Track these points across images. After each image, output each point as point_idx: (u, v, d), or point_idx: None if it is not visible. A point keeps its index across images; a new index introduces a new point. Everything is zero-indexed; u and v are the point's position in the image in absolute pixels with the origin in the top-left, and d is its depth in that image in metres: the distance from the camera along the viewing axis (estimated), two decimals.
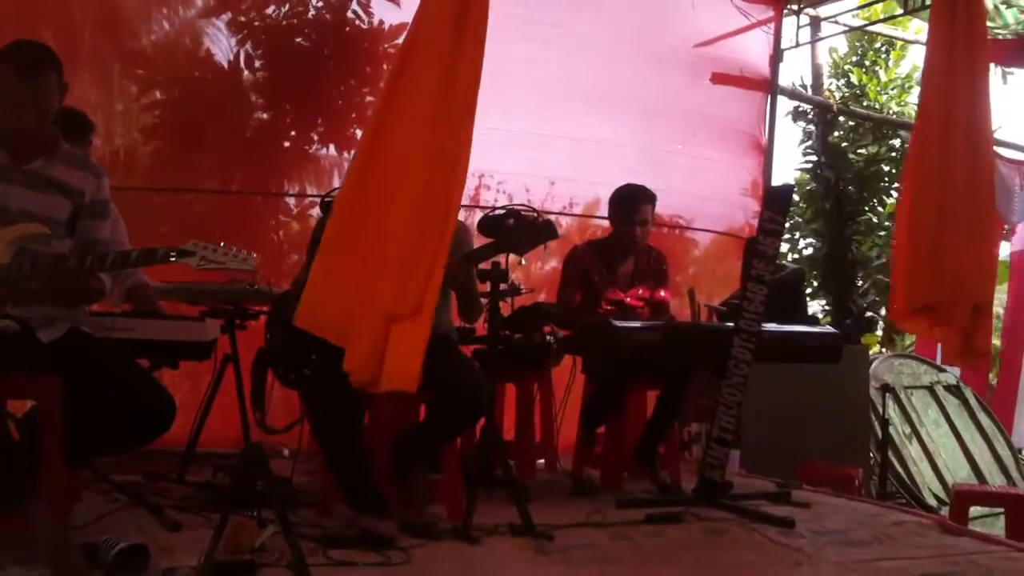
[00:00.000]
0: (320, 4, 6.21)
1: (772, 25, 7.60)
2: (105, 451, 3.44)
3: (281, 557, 2.99)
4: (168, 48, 6.02)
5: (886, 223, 11.74)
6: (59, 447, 2.96)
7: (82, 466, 3.55)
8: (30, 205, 3.05)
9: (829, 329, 5.33)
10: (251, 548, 3.06)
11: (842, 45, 12.63)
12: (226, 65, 6.09)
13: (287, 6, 6.15)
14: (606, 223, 5.23)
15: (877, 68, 12.46)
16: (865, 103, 12.04)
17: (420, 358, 3.23)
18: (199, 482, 4.31)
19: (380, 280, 3.30)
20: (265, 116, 6.26)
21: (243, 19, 6.09)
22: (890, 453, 6.41)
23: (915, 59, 12.23)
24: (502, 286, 4.35)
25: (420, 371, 3.23)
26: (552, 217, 4.71)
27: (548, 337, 4.96)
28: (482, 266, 4.07)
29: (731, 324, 4.40)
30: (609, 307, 4.93)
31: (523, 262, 4.06)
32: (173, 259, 2.94)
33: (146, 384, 3.13)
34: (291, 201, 6.30)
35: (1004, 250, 10.07)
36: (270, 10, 6.14)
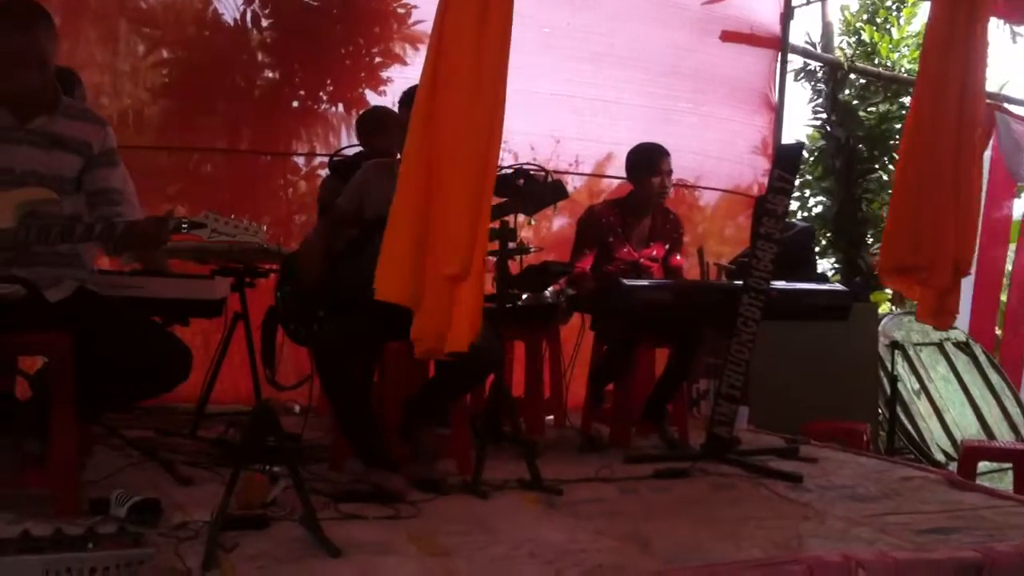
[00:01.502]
0: None
1: None
2: (123, 401, 3.47)
3: (292, 511, 3.01)
4: (176, 7, 6.00)
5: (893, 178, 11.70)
6: (70, 403, 2.98)
7: (97, 419, 3.59)
8: (36, 165, 3.06)
9: (838, 287, 5.33)
10: (263, 503, 3.10)
11: (853, 2, 12.52)
12: (234, 24, 6.07)
13: None
14: (616, 182, 5.20)
15: (889, 25, 12.34)
16: (876, 61, 11.94)
17: (471, 321, 3.21)
18: (211, 438, 4.35)
19: (437, 244, 3.26)
20: (273, 76, 6.25)
21: None
22: (899, 409, 6.42)
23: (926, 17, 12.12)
24: (511, 245, 4.35)
25: (468, 336, 3.21)
26: (560, 176, 4.69)
27: (556, 294, 4.98)
28: (491, 225, 4.06)
29: (740, 282, 4.41)
30: (622, 267, 4.92)
31: (532, 221, 4.06)
32: (185, 230, 2.95)
33: (160, 334, 3.15)
34: (300, 160, 6.30)
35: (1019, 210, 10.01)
36: None
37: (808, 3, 7.86)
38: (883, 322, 7.43)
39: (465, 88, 3.26)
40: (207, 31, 6.07)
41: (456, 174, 3.25)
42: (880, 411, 6.62)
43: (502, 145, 6.19)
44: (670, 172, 4.98)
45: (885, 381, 6.43)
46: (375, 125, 4.86)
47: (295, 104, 6.25)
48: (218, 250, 4.44)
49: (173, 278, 4.18)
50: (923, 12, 12.02)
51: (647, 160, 4.95)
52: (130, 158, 4.14)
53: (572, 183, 6.57)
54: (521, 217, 4.64)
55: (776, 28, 7.48)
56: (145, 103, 5.95)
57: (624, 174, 5.13)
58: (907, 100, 11.46)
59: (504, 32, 3.29)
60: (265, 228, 3.01)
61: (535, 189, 3.83)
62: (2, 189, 2.99)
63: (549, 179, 4.22)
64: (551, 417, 5.41)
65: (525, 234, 5.20)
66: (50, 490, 2.96)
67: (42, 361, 3.69)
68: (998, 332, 9.50)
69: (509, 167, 4.44)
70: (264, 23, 6.11)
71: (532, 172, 4.25)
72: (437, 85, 3.32)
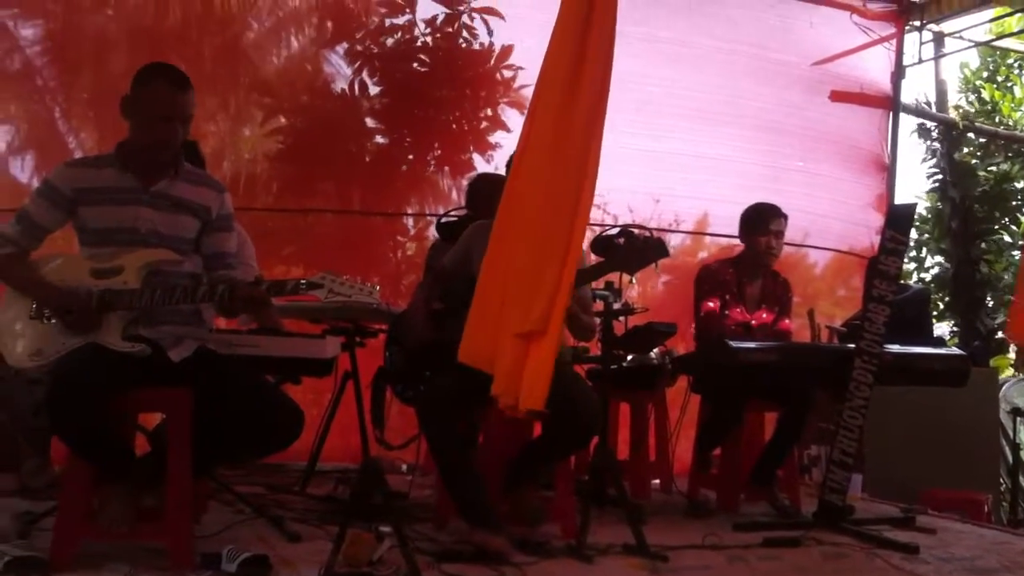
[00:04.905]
0: (428, 31, 6.33)
1: (894, 41, 7.43)
2: (238, 458, 3.56)
3: (397, 570, 3.04)
4: (290, 75, 6.24)
5: (1020, 242, 11.34)
6: (187, 458, 3.08)
7: (209, 475, 3.69)
8: (158, 226, 3.20)
9: (955, 351, 5.17)
10: (368, 561, 3.13)
11: (973, 60, 12.26)
12: (345, 92, 6.27)
13: (400, 33, 6.30)
14: (720, 241, 5.16)
15: (1010, 84, 12.04)
16: (997, 119, 11.64)
17: (546, 377, 3.20)
18: (320, 495, 4.42)
19: (513, 302, 3.30)
20: (383, 141, 6.41)
21: (359, 48, 6.26)
22: (1021, 479, 6.16)
23: None
24: (616, 305, 4.35)
25: (546, 391, 3.19)
26: (662, 234, 4.67)
27: (661, 356, 4.94)
28: (595, 285, 4.06)
29: (852, 345, 4.31)
30: (735, 327, 4.85)
31: (633, 281, 4.04)
32: (303, 289, 3.03)
33: (275, 395, 3.24)
34: (408, 222, 6.43)
35: None
36: (384, 38, 6.29)
37: (920, 63, 7.73)
38: (1004, 388, 7.17)
39: (549, 148, 3.31)
40: (319, 99, 6.28)
41: (538, 233, 3.29)
42: (1002, 480, 6.35)
43: (602, 206, 6.30)
44: (780, 233, 4.92)
45: (1007, 449, 6.18)
46: (479, 189, 4.94)
47: (404, 168, 6.39)
48: (331, 309, 4.53)
49: (286, 337, 4.28)
50: None
51: (757, 219, 4.91)
52: (246, 220, 4.31)
53: (672, 242, 6.55)
54: (624, 277, 4.64)
55: (887, 87, 7.40)
56: (262, 167, 6.17)
57: (726, 232, 5.09)
58: None
59: (599, 96, 3.32)
60: (379, 288, 3.07)
61: (636, 247, 3.81)
62: (127, 248, 3.15)
63: (650, 236, 4.21)
64: (657, 481, 5.34)
65: (630, 294, 5.18)
66: (164, 543, 3.05)
67: (160, 418, 3.83)
68: None
69: (612, 226, 4.45)
70: (373, 90, 6.28)
71: (634, 231, 4.24)
72: (527, 146, 3.39)
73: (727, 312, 4.86)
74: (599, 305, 4.11)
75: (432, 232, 5.93)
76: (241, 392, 3.16)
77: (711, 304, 4.83)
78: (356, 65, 6.24)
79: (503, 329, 3.28)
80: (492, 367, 3.28)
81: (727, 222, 5.08)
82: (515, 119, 6.27)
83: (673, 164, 6.58)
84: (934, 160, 11.03)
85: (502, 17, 6.23)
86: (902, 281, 4.51)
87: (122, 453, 3.09)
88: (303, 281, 3.02)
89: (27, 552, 2.92)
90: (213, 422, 3.09)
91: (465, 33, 6.31)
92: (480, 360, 3.32)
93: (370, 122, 6.38)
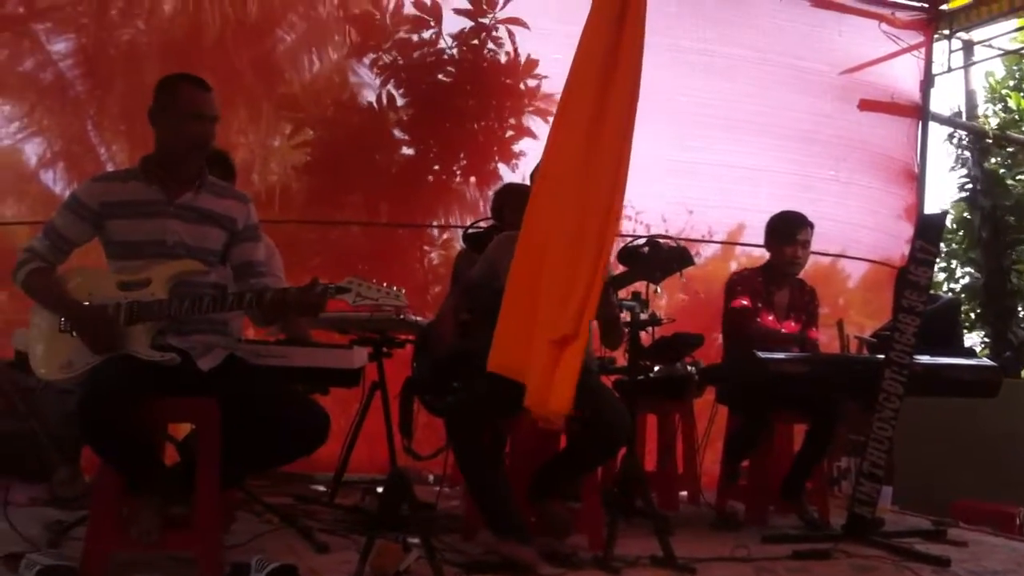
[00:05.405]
0: (454, 43, 6.35)
1: (923, 50, 7.39)
2: (266, 465, 3.57)
3: None
4: (317, 90, 6.29)
5: None
6: (216, 468, 3.09)
7: (238, 485, 3.70)
8: (185, 238, 3.22)
9: (986, 361, 5.11)
10: (396, 571, 3.12)
11: (999, 69, 12.14)
12: (372, 104, 6.32)
13: (426, 47, 6.32)
14: (751, 251, 5.13)
15: None
16: None
17: (573, 381, 3.22)
18: (347, 505, 4.42)
19: (545, 308, 3.31)
20: (409, 152, 6.44)
21: (386, 60, 6.30)
22: None
23: None
24: (643, 316, 4.33)
25: (572, 396, 3.20)
26: (692, 244, 4.64)
27: (689, 368, 4.92)
28: (621, 295, 4.05)
29: (881, 356, 4.28)
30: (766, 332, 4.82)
31: (658, 291, 4.02)
32: (331, 295, 3.05)
33: (300, 399, 3.25)
34: (435, 232, 6.44)
35: None
36: (410, 49, 6.32)
37: (949, 71, 7.68)
38: None
39: (580, 156, 3.32)
40: (346, 111, 6.33)
41: (571, 240, 3.30)
42: None
43: (634, 217, 6.31)
44: (806, 243, 4.89)
45: None
46: (505, 200, 4.95)
47: (430, 179, 6.41)
48: (359, 319, 4.55)
49: (314, 347, 4.30)
50: None
51: (783, 230, 4.89)
52: (275, 232, 4.33)
53: (705, 253, 6.53)
54: (651, 287, 4.63)
55: (916, 96, 7.36)
56: (291, 180, 6.21)
57: (758, 242, 5.07)
58: None
59: (629, 102, 3.33)
60: (404, 292, 3.08)
61: (660, 256, 3.79)
62: (155, 261, 3.17)
63: (675, 245, 4.19)
64: (684, 493, 5.31)
65: (658, 305, 5.16)
66: (194, 553, 3.06)
67: (190, 428, 3.86)
68: None
69: (642, 236, 4.43)
70: (400, 102, 6.32)
71: (659, 240, 4.23)
72: (555, 155, 3.39)
73: (758, 319, 4.84)
74: (626, 316, 4.09)
75: (459, 242, 5.94)
76: (267, 397, 3.18)
77: (744, 301, 4.81)
78: (383, 77, 6.28)
79: (536, 338, 3.28)
80: (523, 376, 3.29)
81: (761, 232, 5.05)
82: (540, 127, 6.28)
83: (706, 175, 6.59)
84: (964, 170, 10.94)
85: (527, 27, 6.25)
86: (932, 291, 4.46)
87: (152, 463, 3.11)
88: (331, 286, 3.04)
89: (58, 561, 2.94)
90: (241, 430, 3.10)
91: (491, 44, 6.33)
92: (510, 369, 3.33)
93: (397, 133, 6.41)
